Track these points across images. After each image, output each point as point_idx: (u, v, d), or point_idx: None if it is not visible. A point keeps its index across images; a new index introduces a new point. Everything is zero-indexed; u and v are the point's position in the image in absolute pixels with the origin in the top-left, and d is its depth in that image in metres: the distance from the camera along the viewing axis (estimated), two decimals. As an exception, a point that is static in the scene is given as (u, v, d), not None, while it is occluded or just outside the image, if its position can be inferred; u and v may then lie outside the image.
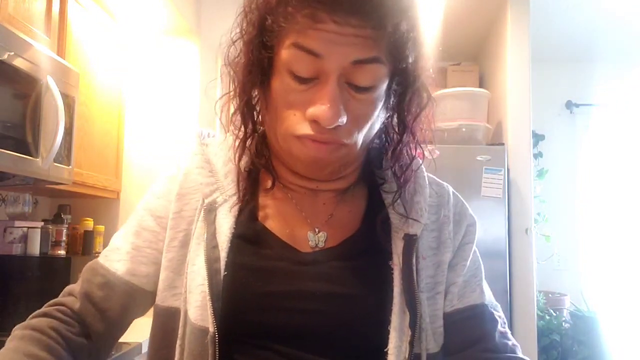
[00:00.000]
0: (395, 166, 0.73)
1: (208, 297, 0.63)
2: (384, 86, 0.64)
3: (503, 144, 2.78)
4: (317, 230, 0.70)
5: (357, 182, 0.75)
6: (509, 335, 0.72)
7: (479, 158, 2.64)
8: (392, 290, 0.66)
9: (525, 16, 2.84)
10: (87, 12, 2.24)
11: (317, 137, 0.62)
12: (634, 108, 3.96)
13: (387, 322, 0.64)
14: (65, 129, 1.89)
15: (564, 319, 3.45)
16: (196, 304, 0.64)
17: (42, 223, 2.28)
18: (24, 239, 2.16)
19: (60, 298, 0.73)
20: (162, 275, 0.70)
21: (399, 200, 0.72)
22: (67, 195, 2.46)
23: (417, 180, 0.75)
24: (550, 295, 3.52)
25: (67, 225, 2.33)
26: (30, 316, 0.70)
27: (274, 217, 0.71)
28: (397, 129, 0.72)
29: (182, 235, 0.70)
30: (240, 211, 0.70)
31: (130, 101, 2.67)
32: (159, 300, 0.70)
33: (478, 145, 2.80)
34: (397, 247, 0.69)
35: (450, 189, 0.79)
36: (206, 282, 0.63)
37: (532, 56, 2.82)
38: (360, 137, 0.65)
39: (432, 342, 0.69)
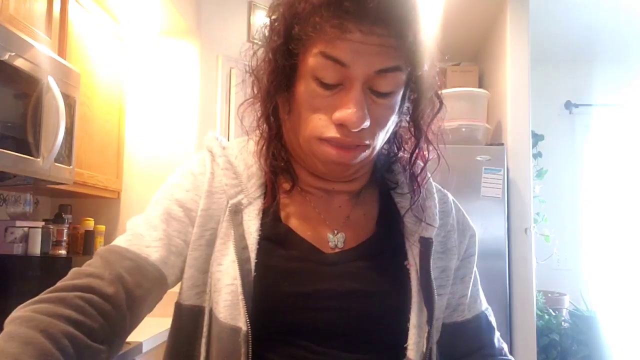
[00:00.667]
0: (412, 169, 0.76)
1: (241, 297, 0.64)
2: (402, 91, 0.68)
3: (502, 144, 2.78)
4: (335, 231, 0.73)
5: (368, 186, 0.79)
6: (500, 337, 0.83)
7: (478, 158, 2.64)
8: (409, 289, 0.70)
9: (525, 16, 2.84)
10: (87, 13, 2.25)
11: (342, 140, 0.65)
12: (634, 108, 3.97)
13: (407, 319, 0.68)
14: (66, 129, 1.90)
15: (563, 318, 3.45)
16: (225, 304, 0.66)
17: (43, 223, 2.28)
18: (25, 238, 2.17)
19: (81, 280, 0.61)
20: (187, 274, 0.70)
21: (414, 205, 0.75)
22: (68, 195, 2.47)
23: (426, 185, 0.78)
24: (549, 294, 3.52)
25: (67, 225, 2.33)
26: (40, 299, 0.58)
27: (296, 218, 0.74)
28: (413, 134, 0.74)
29: (208, 234, 0.71)
30: (264, 213, 0.72)
31: (130, 101, 2.68)
32: (181, 299, 0.71)
33: (478, 146, 2.80)
34: (413, 248, 0.72)
35: (451, 197, 0.83)
36: (237, 282, 0.65)
37: (531, 56, 2.82)
38: (380, 139, 0.69)
39: (434, 337, 0.73)
